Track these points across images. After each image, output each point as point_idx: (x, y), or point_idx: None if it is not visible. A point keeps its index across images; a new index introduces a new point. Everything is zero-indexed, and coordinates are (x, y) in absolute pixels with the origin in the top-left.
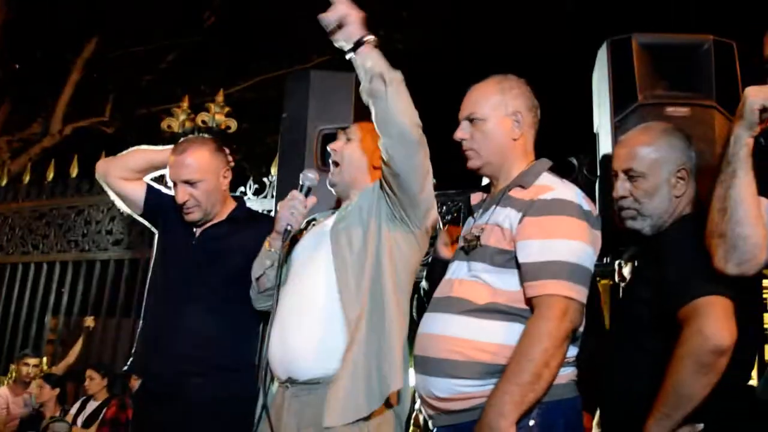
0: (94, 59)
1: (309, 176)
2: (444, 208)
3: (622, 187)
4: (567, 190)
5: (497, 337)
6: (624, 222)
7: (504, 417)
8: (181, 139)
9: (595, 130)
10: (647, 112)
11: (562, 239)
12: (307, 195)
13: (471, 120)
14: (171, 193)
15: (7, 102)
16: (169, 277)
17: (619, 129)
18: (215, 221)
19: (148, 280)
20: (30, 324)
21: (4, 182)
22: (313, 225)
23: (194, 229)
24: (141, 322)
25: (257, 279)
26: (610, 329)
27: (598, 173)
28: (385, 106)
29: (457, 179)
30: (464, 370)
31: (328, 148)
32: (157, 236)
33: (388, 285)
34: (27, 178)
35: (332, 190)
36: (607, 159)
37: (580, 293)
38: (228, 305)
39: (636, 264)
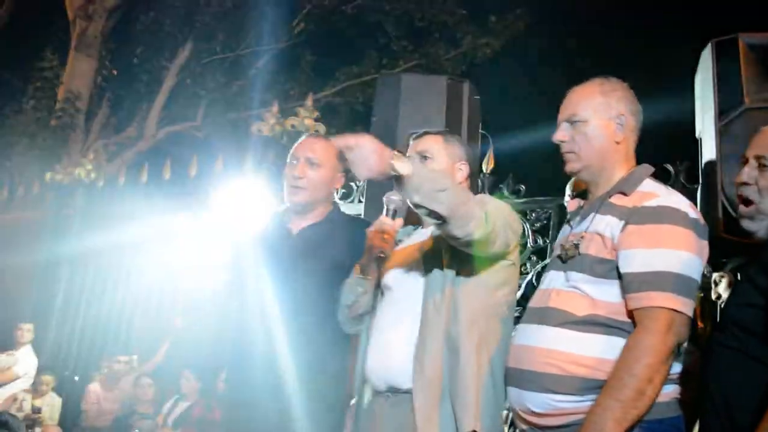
0: (188, 65)
1: (394, 199)
2: (533, 215)
3: (748, 173)
4: (672, 197)
5: (596, 350)
6: (739, 221)
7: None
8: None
9: (697, 135)
10: (755, 115)
11: (669, 249)
12: (393, 218)
13: (572, 122)
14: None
15: (105, 106)
16: (263, 276)
17: (724, 134)
18: (313, 221)
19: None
20: (121, 322)
21: (101, 184)
22: (399, 242)
23: (290, 227)
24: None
25: (349, 306)
26: (710, 341)
27: (700, 180)
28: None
29: (547, 185)
30: (562, 385)
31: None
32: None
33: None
34: (122, 180)
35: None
36: (711, 165)
37: (687, 306)
38: (325, 305)
39: (745, 272)
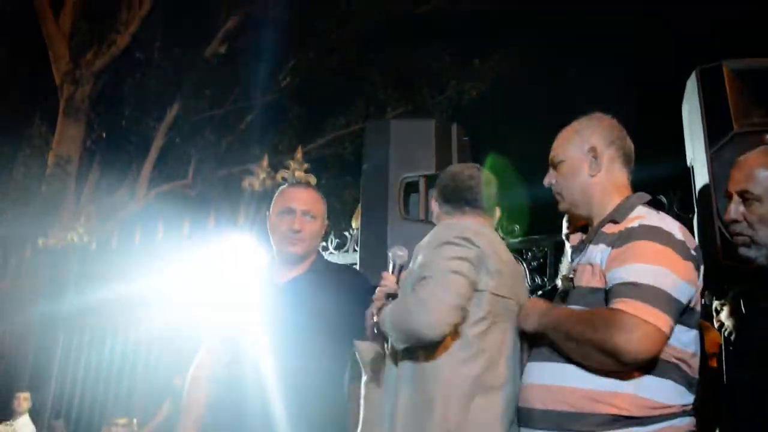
0: (176, 124)
1: (399, 254)
2: (530, 254)
3: (735, 210)
4: (658, 219)
5: (605, 383)
6: (737, 248)
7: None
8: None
9: (688, 164)
10: (744, 140)
11: (640, 263)
12: (400, 273)
13: (554, 164)
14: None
15: (95, 169)
16: (254, 332)
17: (715, 160)
18: (300, 272)
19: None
20: (121, 385)
21: (94, 246)
22: None
23: (276, 278)
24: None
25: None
26: (729, 371)
27: (695, 209)
28: None
29: (542, 223)
30: (575, 422)
31: None
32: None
33: None
34: (115, 242)
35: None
36: (705, 192)
37: (657, 317)
38: (316, 356)
39: (749, 299)
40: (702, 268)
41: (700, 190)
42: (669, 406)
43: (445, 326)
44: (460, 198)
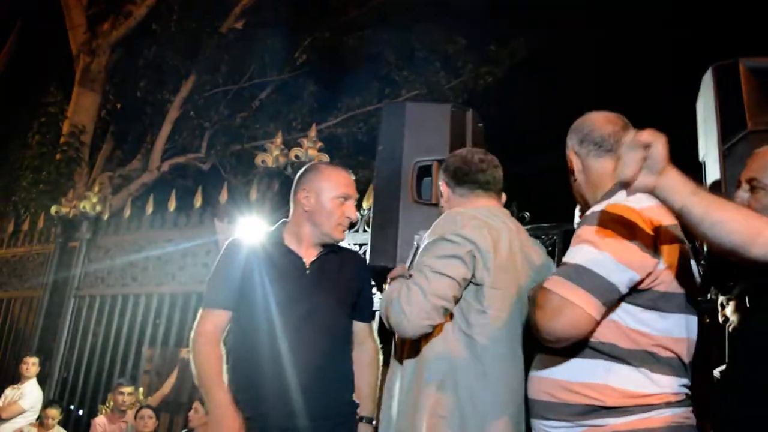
0: (191, 97)
1: (425, 236)
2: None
3: (741, 197)
4: (619, 199)
5: (582, 375)
6: None
7: None
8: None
9: (700, 159)
10: (758, 138)
11: (581, 245)
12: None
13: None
14: (234, 261)
15: (109, 140)
16: (280, 310)
17: (727, 157)
18: (322, 251)
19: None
20: (128, 355)
21: (106, 216)
22: None
23: (301, 257)
24: (240, 357)
25: None
26: (730, 368)
27: None
28: None
29: (552, 212)
30: (552, 411)
31: None
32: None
33: None
34: (128, 213)
35: None
36: (716, 189)
37: (581, 297)
38: (344, 334)
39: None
40: (679, 247)
41: (711, 186)
42: (646, 395)
43: (421, 328)
44: (473, 181)
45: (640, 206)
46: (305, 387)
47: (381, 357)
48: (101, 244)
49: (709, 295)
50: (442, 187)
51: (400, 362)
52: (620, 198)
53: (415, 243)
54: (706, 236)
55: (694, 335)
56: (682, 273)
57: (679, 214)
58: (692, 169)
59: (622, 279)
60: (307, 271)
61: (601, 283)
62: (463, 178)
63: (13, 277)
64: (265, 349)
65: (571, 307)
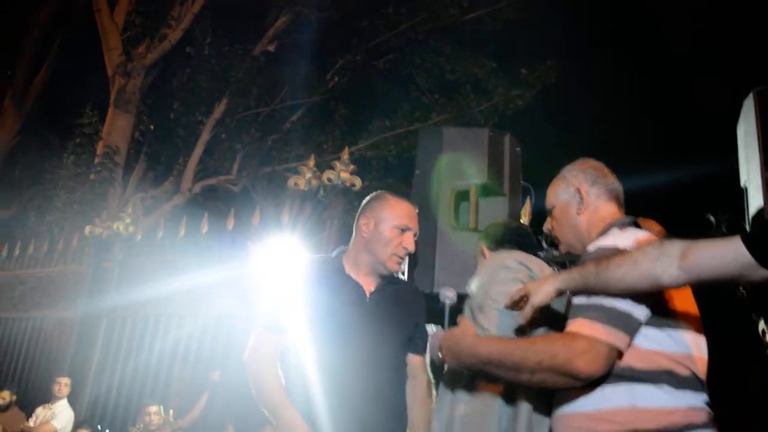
0: (223, 120)
1: (448, 295)
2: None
3: None
4: (610, 238)
5: (601, 401)
6: None
7: (466, 349)
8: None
9: (742, 185)
10: None
11: None
12: (450, 315)
13: (549, 211)
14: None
15: (142, 161)
16: (339, 339)
17: None
18: (380, 282)
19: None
20: (159, 376)
21: (139, 237)
22: None
23: (363, 287)
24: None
25: None
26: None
27: (747, 229)
28: None
29: None
30: None
31: None
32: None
33: None
34: (160, 234)
35: None
36: (758, 214)
37: (609, 335)
38: (400, 369)
39: None
40: None
41: (754, 213)
42: (672, 411)
43: None
44: (512, 241)
45: (637, 237)
46: (360, 419)
47: (434, 391)
48: (134, 265)
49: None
50: (483, 252)
51: (453, 395)
52: (614, 233)
53: (441, 300)
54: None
55: (705, 355)
56: (685, 296)
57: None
58: (733, 195)
59: (643, 312)
60: (368, 301)
61: (628, 320)
62: (501, 239)
63: (46, 297)
64: (322, 378)
65: (603, 348)
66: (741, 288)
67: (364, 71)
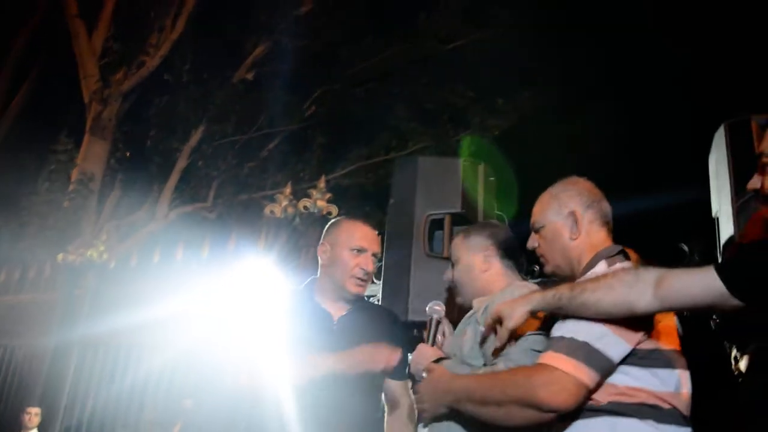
0: (200, 147)
1: (436, 308)
2: None
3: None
4: (601, 269)
5: None
6: None
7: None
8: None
9: (714, 215)
10: None
11: (571, 320)
12: (437, 327)
13: (535, 229)
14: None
15: (117, 187)
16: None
17: (741, 213)
18: (349, 307)
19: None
20: (131, 405)
21: (113, 265)
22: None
23: (329, 312)
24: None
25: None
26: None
27: (719, 259)
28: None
29: None
30: None
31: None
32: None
33: None
34: (134, 262)
35: None
36: (730, 243)
37: (577, 369)
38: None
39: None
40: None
41: (725, 242)
42: None
43: None
44: (517, 257)
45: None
46: None
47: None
48: (107, 293)
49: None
50: (486, 251)
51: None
52: (603, 267)
53: (428, 314)
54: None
55: (688, 390)
56: (667, 330)
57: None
58: (706, 225)
59: (618, 352)
60: (335, 327)
61: (598, 357)
62: (511, 252)
63: (18, 325)
64: (294, 404)
65: (569, 380)
66: (713, 316)
67: (342, 100)
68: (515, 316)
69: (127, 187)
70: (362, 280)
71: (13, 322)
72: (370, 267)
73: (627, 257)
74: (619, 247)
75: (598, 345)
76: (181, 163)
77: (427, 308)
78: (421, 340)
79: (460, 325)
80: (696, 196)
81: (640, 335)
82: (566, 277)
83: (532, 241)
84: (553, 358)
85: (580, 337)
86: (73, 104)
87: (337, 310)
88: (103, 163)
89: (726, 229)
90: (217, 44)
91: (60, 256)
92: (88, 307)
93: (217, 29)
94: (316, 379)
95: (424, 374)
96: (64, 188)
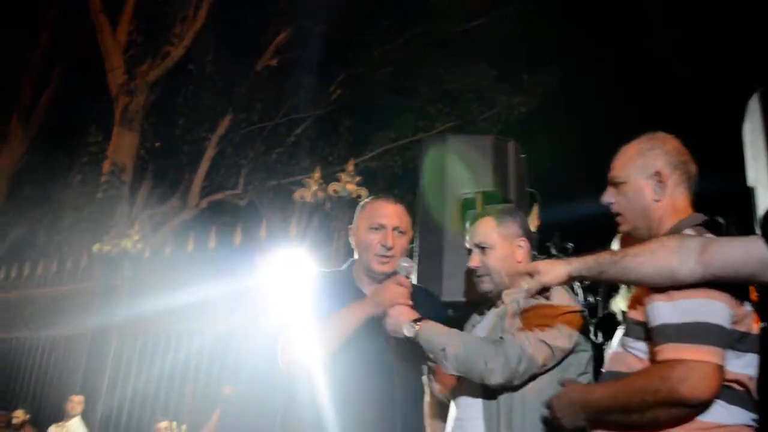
0: (228, 135)
1: (404, 265)
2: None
3: None
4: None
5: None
6: None
7: (578, 401)
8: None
9: (748, 185)
10: None
11: (678, 300)
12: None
13: (615, 184)
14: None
15: (148, 178)
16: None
17: None
18: None
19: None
20: (170, 392)
21: (147, 254)
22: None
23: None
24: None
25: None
26: None
27: (757, 231)
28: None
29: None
30: None
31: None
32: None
33: None
34: (168, 251)
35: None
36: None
37: (708, 354)
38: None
39: None
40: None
41: (763, 213)
42: (721, 426)
43: None
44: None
45: None
46: (365, 425)
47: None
48: (143, 282)
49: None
50: (521, 241)
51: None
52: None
53: (397, 270)
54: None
55: (757, 373)
56: (754, 317)
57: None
58: (742, 196)
59: (728, 318)
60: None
61: (716, 331)
62: (533, 242)
63: (57, 316)
64: (329, 388)
65: (706, 368)
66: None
67: (367, 83)
68: (553, 274)
69: (158, 177)
70: (384, 257)
71: (52, 313)
72: (389, 241)
73: (712, 227)
74: (703, 216)
75: (708, 318)
76: (210, 152)
77: (397, 266)
78: (456, 321)
79: (488, 318)
80: (731, 166)
81: (737, 308)
82: (641, 238)
83: (609, 196)
84: (676, 350)
85: (689, 318)
86: (100, 98)
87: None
88: (133, 154)
89: (763, 199)
90: (239, 32)
91: (96, 247)
92: (125, 296)
93: (239, 17)
94: (354, 364)
95: (405, 332)
96: (96, 180)
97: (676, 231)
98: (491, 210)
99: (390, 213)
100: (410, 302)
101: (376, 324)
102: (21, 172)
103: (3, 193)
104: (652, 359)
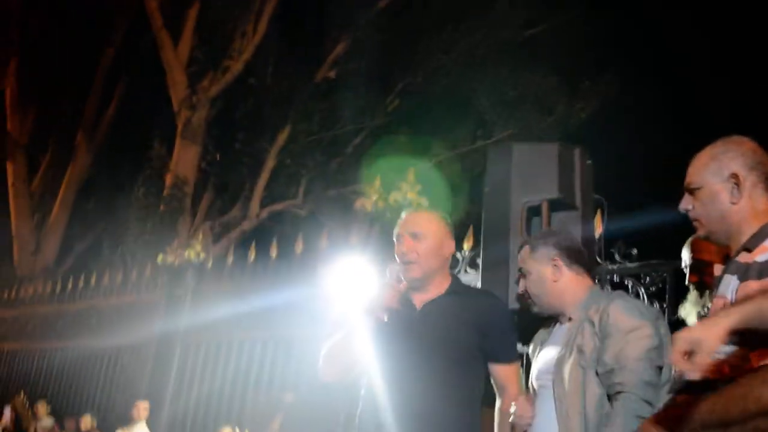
0: (287, 146)
1: (395, 269)
2: (648, 279)
3: None
4: None
5: None
6: None
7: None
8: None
9: None
10: None
11: None
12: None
13: (690, 190)
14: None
15: (210, 190)
16: (390, 355)
17: None
18: (434, 295)
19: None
20: (233, 399)
21: (210, 264)
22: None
23: (413, 301)
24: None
25: None
26: None
27: None
28: None
29: (664, 249)
30: None
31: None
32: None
33: None
34: (230, 260)
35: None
36: None
37: None
38: (452, 386)
39: None
40: None
41: None
42: None
43: None
44: (584, 260)
45: None
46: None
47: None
48: (206, 292)
49: None
50: (556, 261)
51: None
52: None
53: (388, 273)
54: None
55: None
56: None
57: None
58: None
59: None
60: (416, 315)
61: None
62: (577, 257)
63: (123, 325)
64: (383, 388)
65: None
66: None
67: (425, 92)
68: (715, 340)
69: (219, 189)
70: (405, 263)
71: (118, 323)
72: (404, 247)
73: None
74: None
75: None
76: (270, 163)
77: (387, 269)
78: (522, 328)
79: (556, 336)
80: None
81: None
82: (719, 243)
83: (686, 203)
84: None
85: None
86: (162, 112)
87: (422, 298)
88: (195, 166)
89: None
90: (298, 45)
91: (159, 258)
92: (188, 306)
93: (298, 30)
94: (392, 367)
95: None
96: (159, 193)
97: (760, 235)
98: (528, 239)
99: (404, 221)
100: (393, 305)
101: (409, 323)
102: (87, 186)
103: (70, 206)
104: (746, 365)
